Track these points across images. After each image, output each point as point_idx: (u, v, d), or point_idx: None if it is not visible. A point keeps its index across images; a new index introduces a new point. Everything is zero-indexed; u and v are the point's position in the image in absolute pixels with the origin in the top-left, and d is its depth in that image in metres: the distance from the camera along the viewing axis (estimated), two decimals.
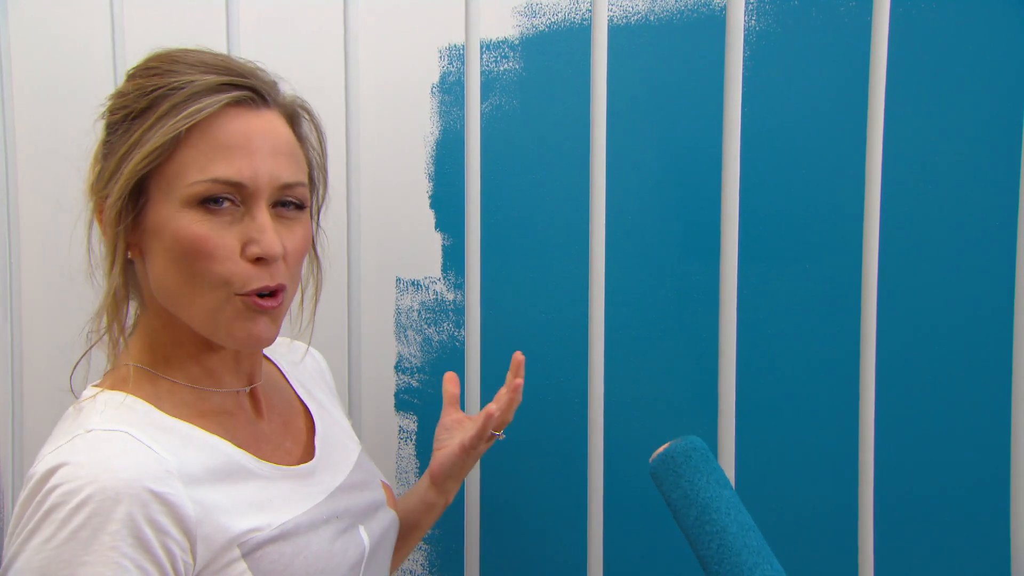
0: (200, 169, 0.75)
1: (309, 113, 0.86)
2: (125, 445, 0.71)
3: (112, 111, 0.79)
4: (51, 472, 0.68)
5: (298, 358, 1.01)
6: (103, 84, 1.35)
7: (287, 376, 0.97)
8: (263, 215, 0.77)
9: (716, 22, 1.07)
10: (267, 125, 0.78)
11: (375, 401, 1.30)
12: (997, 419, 1.00)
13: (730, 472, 1.11)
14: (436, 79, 1.22)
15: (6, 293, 1.34)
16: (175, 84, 0.76)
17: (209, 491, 0.74)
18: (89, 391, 0.78)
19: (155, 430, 0.74)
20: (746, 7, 1.06)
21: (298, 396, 0.95)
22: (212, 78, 0.76)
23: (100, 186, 0.77)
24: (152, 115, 0.75)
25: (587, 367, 1.15)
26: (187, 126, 0.74)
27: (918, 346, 1.02)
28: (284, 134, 0.80)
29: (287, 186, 0.78)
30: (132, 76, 0.79)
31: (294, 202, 0.80)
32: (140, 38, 1.32)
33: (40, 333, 1.40)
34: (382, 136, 1.24)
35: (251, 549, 0.75)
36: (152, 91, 0.76)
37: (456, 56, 1.20)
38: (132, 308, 0.83)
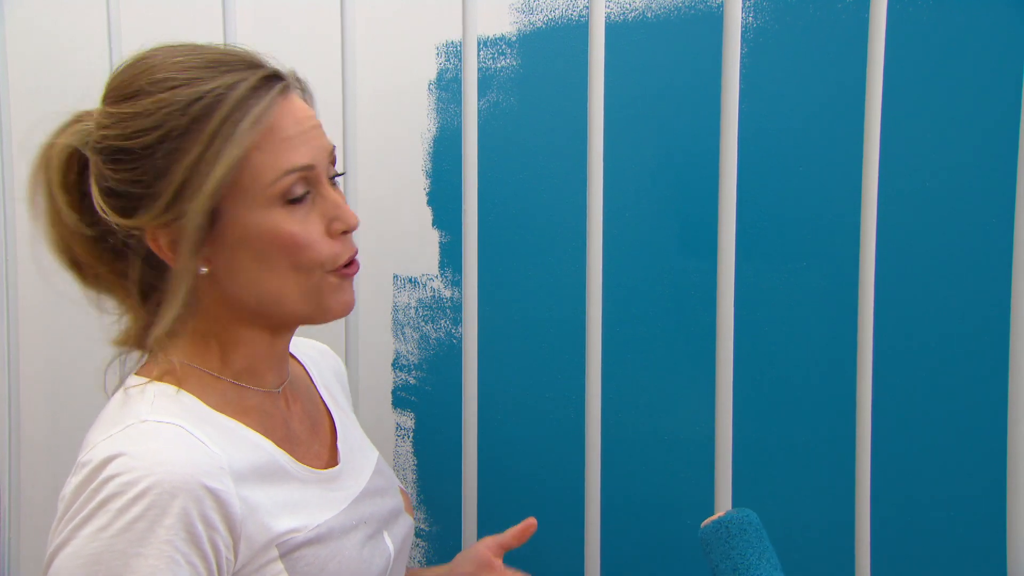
0: (273, 167, 0.75)
1: (302, 81, 0.86)
2: (180, 439, 0.71)
3: (134, 135, 0.74)
4: (107, 461, 0.68)
5: (320, 359, 1.01)
6: (99, 83, 1.35)
7: (313, 377, 0.97)
8: (332, 192, 0.80)
9: (713, 19, 1.07)
10: (301, 105, 0.79)
11: (372, 398, 1.30)
12: (993, 417, 1.00)
13: (727, 471, 1.11)
14: (433, 76, 1.22)
15: (3, 293, 1.34)
16: (216, 91, 0.74)
17: (254, 489, 0.75)
18: (135, 380, 0.78)
19: (205, 424, 0.75)
20: (743, 4, 1.05)
21: (322, 398, 0.95)
22: (247, 75, 0.76)
23: (155, 213, 0.74)
24: (204, 128, 0.73)
25: (584, 363, 1.15)
26: (261, 131, 0.74)
27: (915, 344, 1.03)
28: (309, 108, 0.81)
29: (332, 154, 0.81)
30: (131, 97, 0.75)
31: (337, 172, 0.82)
32: (136, 38, 1.32)
33: (37, 333, 1.40)
34: (379, 133, 1.24)
35: (289, 550, 0.75)
36: (190, 104, 0.73)
37: (453, 53, 1.20)
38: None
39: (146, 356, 0.81)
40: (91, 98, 0.81)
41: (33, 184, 0.80)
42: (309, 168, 0.77)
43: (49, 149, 0.78)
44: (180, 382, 0.78)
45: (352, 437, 0.94)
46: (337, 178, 0.82)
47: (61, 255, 0.80)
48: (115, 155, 0.75)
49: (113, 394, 0.79)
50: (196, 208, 0.73)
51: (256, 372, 0.82)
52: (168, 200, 0.74)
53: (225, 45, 0.81)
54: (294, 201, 0.77)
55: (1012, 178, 0.97)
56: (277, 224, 0.76)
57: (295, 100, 0.79)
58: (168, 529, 0.67)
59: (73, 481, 0.70)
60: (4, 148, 1.30)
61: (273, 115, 0.76)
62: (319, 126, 0.80)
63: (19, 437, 1.42)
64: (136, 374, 0.80)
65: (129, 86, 0.75)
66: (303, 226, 0.77)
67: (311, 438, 0.88)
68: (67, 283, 0.81)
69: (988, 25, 0.97)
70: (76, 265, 0.80)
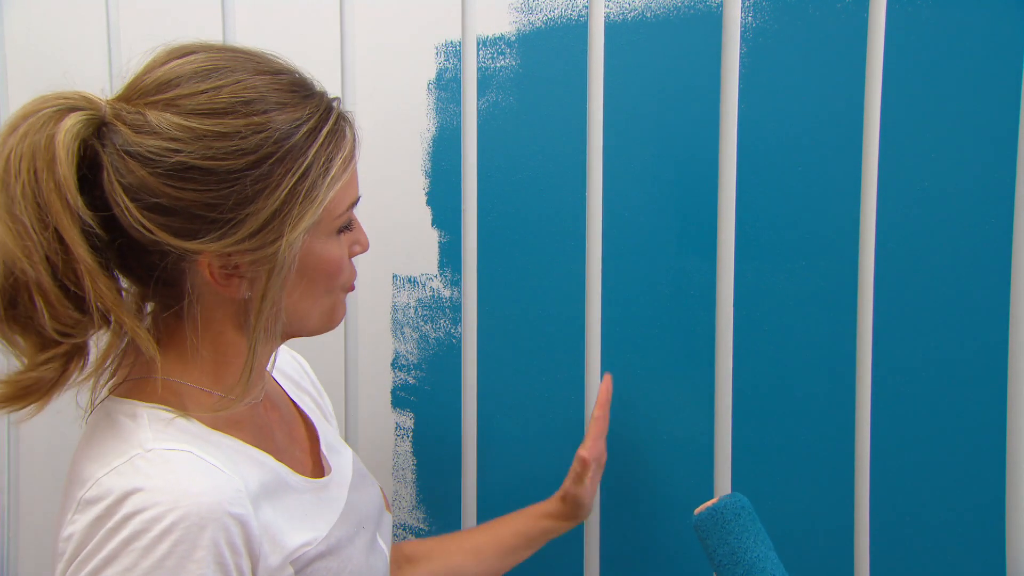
0: (343, 200, 0.77)
1: None
2: (195, 466, 0.68)
3: (220, 156, 0.68)
4: (124, 496, 0.65)
5: (284, 362, 1.00)
6: (99, 83, 1.35)
7: (280, 382, 0.96)
8: (356, 217, 0.82)
9: (713, 19, 1.07)
10: None
11: (371, 398, 1.30)
12: (993, 417, 1.00)
13: (726, 470, 1.11)
14: (432, 76, 1.21)
15: None
16: (308, 121, 0.72)
17: (266, 508, 0.73)
18: (120, 402, 0.74)
19: (210, 447, 0.72)
20: (743, 4, 1.05)
21: (294, 403, 0.95)
22: (329, 104, 0.76)
23: (234, 240, 0.70)
24: (301, 159, 0.71)
25: (583, 363, 1.15)
26: (348, 167, 0.75)
27: (914, 343, 1.03)
28: None
29: None
30: (232, 113, 0.69)
31: None
32: (136, 37, 1.32)
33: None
34: (378, 133, 1.24)
35: (303, 566, 0.74)
36: (289, 134, 0.71)
37: (452, 52, 1.20)
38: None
39: (118, 375, 0.77)
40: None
41: (18, 173, 0.65)
42: (359, 200, 0.80)
43: (39, 133, 0.66)
44: (167, 401, 0.74)
45: (329, 440, 0.93)
46: None
47: (44, 276, 0.66)
48: (184, 172, 0.67)
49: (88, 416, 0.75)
50: (291, 240, 0.71)
51: (249, 383, 0.80)
52: (254, 229, 0.70)
53: (278, 58, 0.77)
54: (345, 231, 0.79)
55: (1012, 178, 0.97)
56: (332, 251, 0.77)
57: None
58: (199, 563, 0.64)
59: (81, 520, 0.66)
60: None
61: (355, 154, 0.78)
62: None
63: (18, 437, 1.42)
64: (117, 395, 0.75)
65: (212, 101, 0.69)
66: (341, 251, 0.79)
67: (291, 445, 0.87)
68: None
69: (988, 25, 0.97)
70: (56, 290, 0.67)
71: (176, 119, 0.68)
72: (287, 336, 0.81)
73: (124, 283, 0.75)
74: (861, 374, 1.03)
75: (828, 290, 1.05)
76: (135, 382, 0.76)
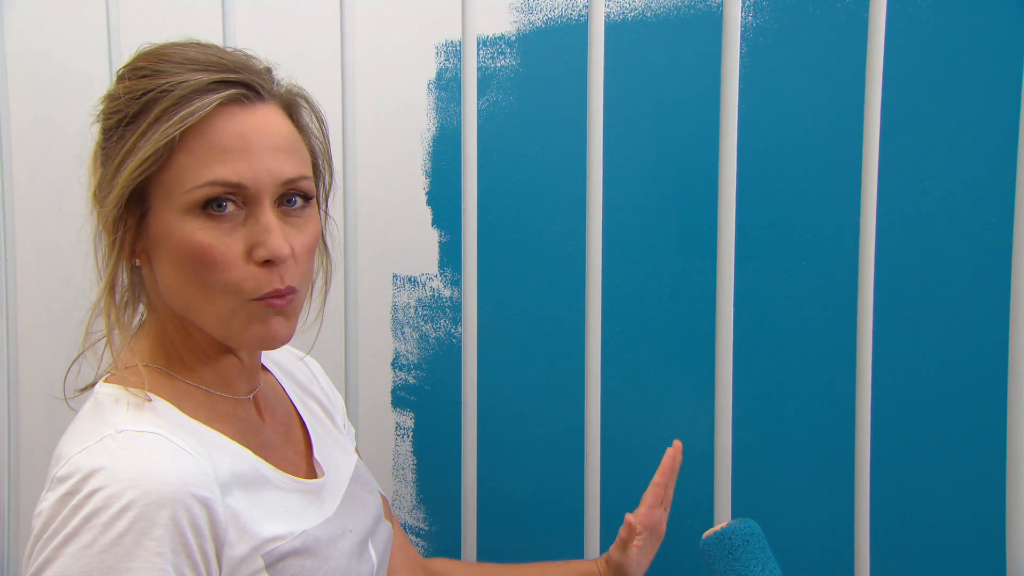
0: (197, 174, 0.73)
1: (307, 100, 0.83)
2: (162, 448, 0.69)
3: (106, 115, 0.76)
4: (88, 475, 0.66)
5: (292, 364, 1.00)
6: (99, 81, 1.34)
7: (284, 385, 0.96)
8: (267, 216, 0.74)
9: (713, 19, 1.07)
10: (263, 121, 0.75)
11: (372, 398, 1.30)
12: (993, 417, 1.00)
13: (726, 470, 1.11)
14: (433, 75, 1.21)
15: (2, 294, 1.34)
16: (165, 86, 0.73)
17: (237, 497, 0.73)
18: (105, 388, 0.76)
19: (183, 432, 0.73)
20: (743, 4, 1.05)
21: (294, 406, 0.95)
22: (202, 77, 0.74)
23: (101, 194, 0.75)
24: (144, 120, 0.73)
25: (583, 362, 1.15)
26: (180, 131, 0.72)
27: (914, 343, 1.03)
28: (282, 128, 0.77)
29: (290, 182, 0.76)
30: (122, 78, 0.76)
31: (300, 195, 0.78)
32: (136, 36, 1.32)
33: (37, 334, 1.40)
34: (379, 133, 1.24)
35: (274, 560, 0.74)
36: (143, 95, 0.74)
37: (453, 52, 1.20)
38: (138, 310, 0.82)
39: (112, 362, 0.79)
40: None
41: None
42: (235, 185, 0.73)
43: None
44: (153, 388, 0.75)
45: (327, 446, 0.93)
46: (300, 204, 0.78)
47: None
48: (101, 132, 0.77)
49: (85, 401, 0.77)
50: (114, 196, 0.73)
51: (225, 379, 0.81)
52: (106, 184, 0.75)
53: (236, 50, 0.80)
54: (214, 212, 0.73)
55: (1012, 178, 0.97)
56: (190, 232, 0.73)
57: (257, 115, 0.76)
58: (157, 541, 0.65)
59: (51, 497, 0.67)
60: (3, 147, 1.30)
61: (214, 121, 0.73)
62: (284, 149, 0.76)
63: (18, 437, 1.42)
64: (105, 381, 0.77)
65: (123, 71, 0.77)
66: (219, 241, 0.73)
67: (285, 445, 0.87)
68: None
69: (988, 25, 0.97)
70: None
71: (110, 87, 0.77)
72: (204, 329, 0.79)
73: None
74: (861, 374, 1.03)
75: (828, 290, 1.05)
76: (128, 369, 0.77)
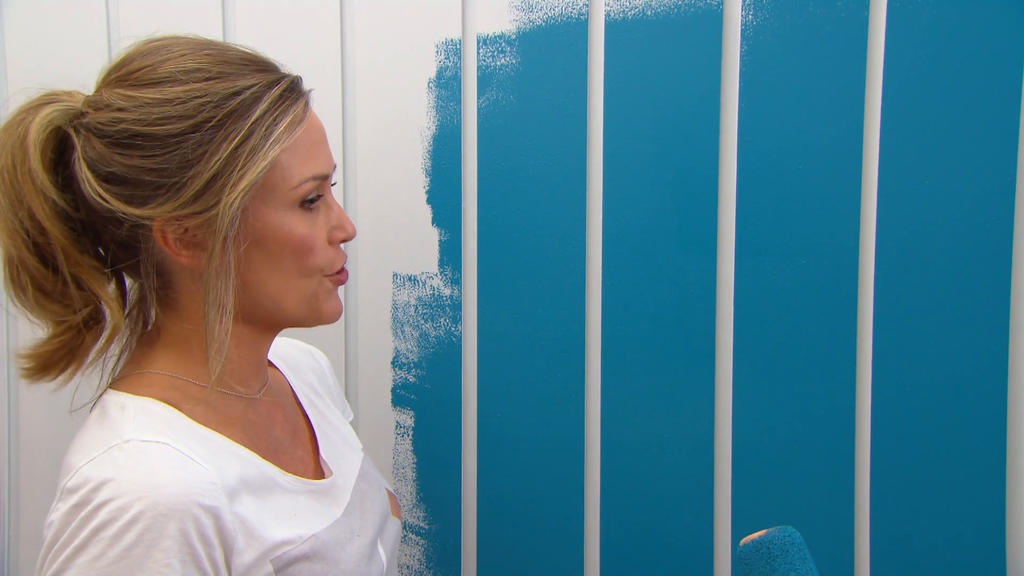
0: (300, 171, 0.76)
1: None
2: (168, 457, 0.69)
3: (160, 121, 0.72)
4: (97, 487, 0.67)
5: (300, 359, 1.00)
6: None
7: (291, 383, 0.96)
8: (335, 201, 0.81)
9: (713, 17, 1.07)
10: (316, 115, 0.81)
11: (372, 397, 1.30)
12: (993, 417, 1.00)
13: (726, 470, 1.11)
14: (433, 74, 1.21)
15: (2, 293, 1.34)
16: (252, 88, 0.74)
17: (245, 504, 0.73)
18: (112, 395, 0.76)
19: (190, 439, 0.73)
20: (743, 2, 1.05)
21: (300, 405, 0.95)
22: (266, 77, 0.76)
23: (179, 203, 0.72)
24: (241, 124, 0.72)
25: (584, 361, 1.15)
26: (295, 134, 0.75)
27: (915, 343, 1.02)
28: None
29: (335, 167, 0.83)
30: (170, 81, 0.72)
31: (333, 183, 0.84)
32: (135, 33, 1.32)
33: (37, 333, 1.40)
34: (379, 131, 1.24)
35: (284, 565, 0.74)
36: (227, 98, 0.73)
37: (453, 51, 1.20)
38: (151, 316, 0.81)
39: (119, 368, 0.79)
40: (90, 93, 0.81)
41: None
42: (326, 176, 0.78)
43: (19, 126, 0.72)
44: (161, 395, 0.76)
45: (334, 444, 0.93)
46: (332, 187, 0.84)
47: (24, 252, 0.73)
48: (130, 140, 0.72)
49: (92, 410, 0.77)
50: (231, 201, 0.72)
51: (239, 376, 0.81)
52: (196, 191, 0.72)
53: (238, 45, 0.81)
54: (309, 207, 0.78)
55: (1012, 177, 0.97)
56: (294, 226, 0.77)
57: (313, 110, 0.80)
58: (166, 552, 0.65)
59: (61, 508, 0.68)
60: None
61: (305, 120, 0.77)
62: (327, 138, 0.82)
63: (18, 437, 1.42)
64: (112, 388, 0.77)
65: (154, 72, 0.73)
66: (315, 231, 0.78)
67: (293, 445, 0.87)
68: None
69: (988, 25, 0.97)
70: (38, 266, 0.73)
71: (122, 91, 0.73)
72: (270, 323, 0.81)
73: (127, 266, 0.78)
74: (861, 374, 1.03)
75: (828, 289, 1.05)
76: (135, 376, 0.77)
